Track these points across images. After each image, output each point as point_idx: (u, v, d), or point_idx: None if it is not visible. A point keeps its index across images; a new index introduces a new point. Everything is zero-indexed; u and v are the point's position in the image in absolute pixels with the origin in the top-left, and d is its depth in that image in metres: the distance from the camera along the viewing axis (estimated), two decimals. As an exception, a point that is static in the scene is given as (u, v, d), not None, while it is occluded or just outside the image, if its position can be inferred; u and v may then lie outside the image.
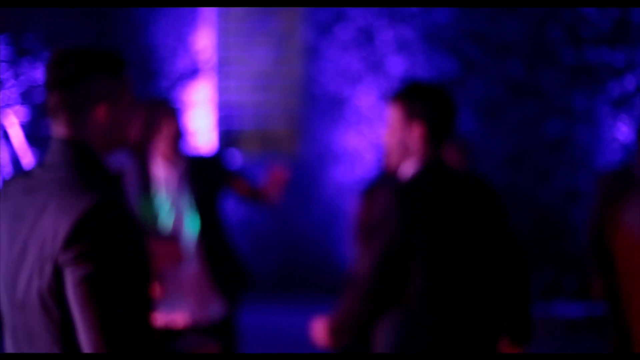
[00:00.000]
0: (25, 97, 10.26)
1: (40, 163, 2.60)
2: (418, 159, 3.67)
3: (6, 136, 10.26)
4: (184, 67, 11.61)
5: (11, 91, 10.20)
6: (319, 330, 3.73)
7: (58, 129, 2.56)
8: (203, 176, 4.86)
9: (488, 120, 10.87)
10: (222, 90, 12.28)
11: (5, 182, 2.75)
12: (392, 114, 3.75)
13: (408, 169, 3.70)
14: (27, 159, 10.27)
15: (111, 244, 2.37)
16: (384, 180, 4.99)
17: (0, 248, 2.57)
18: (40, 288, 2.41)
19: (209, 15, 11.86)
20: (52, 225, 2.39)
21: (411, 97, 3.73)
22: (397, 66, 11.05)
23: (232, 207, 11.50)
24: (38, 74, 10.31)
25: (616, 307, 5.93)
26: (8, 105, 10.13)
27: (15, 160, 10.34)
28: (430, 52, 10.97)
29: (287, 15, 12.17)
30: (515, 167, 10.78)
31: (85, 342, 2.37)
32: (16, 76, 10.25)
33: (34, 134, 10.42)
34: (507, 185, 10.55)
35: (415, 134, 3.65)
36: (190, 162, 4.86)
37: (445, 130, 3.74)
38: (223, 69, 12.20)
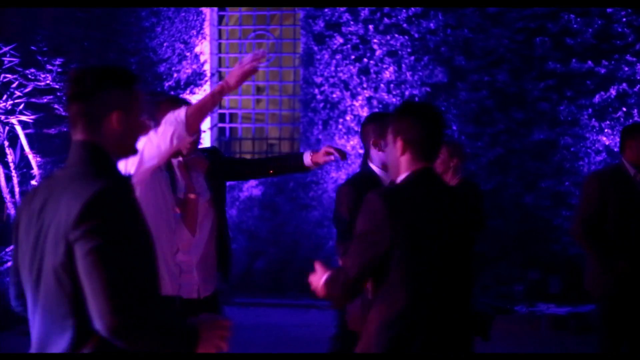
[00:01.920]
0: (32, 102, 10.34)
1: (62, 166, 2.93)
2: (405, 174, 3.73)
3: (14, 139, 10.34)
4: (185, 73, 11.69)
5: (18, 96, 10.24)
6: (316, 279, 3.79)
7: (77, 135, 2.88)
8: (214, 167, 5.05)
9: (475, 126, 11.06)
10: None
11: (33, 187, 3.08)
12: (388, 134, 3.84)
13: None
14: (33, 160, 10.36)
15: (116, 221, 2.67)
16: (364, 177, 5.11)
17: (27, 243, 2.85)
18: (54, 265, 2.70)
19: (207, 21, 12.00)
20: (66, 210, 2.69)
21: (395, 116, 3.80)
22: (388, 73, 11.24)
23: (232, 211, 11.72)
24: (44, 80, 10.36)
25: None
26: (15, 110, 10.18)
27: (22, 162, 10.41)
28: (420, 60, 11.18)
29: (284, 24, 12.34)
30: (502, 172, 10.92)
31: (93, 308, 2.63)
32: (23, 82, 10.27)
33: (39, 137, 10.54)
34: (493, 189, 10.71)
35: (399, 151, 3.71)
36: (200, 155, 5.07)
37: (431, 146, 3.75)
38: (220, 75, 12.36)
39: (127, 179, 2.99)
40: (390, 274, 3.58)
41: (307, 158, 5.31)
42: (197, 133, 4.51)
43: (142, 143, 4.07)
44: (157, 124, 4.33)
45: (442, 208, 3.74)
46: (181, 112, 4.26)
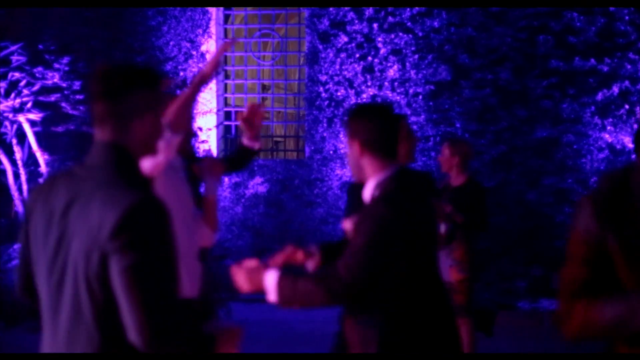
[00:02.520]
0: (39, 101, 10.42)
1: (81, 163, 2.86)
2: (373, 175, 3.71)
3: (21, 137, 10.41)
4: (191, 72, 11.72)
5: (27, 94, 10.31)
6: (241, 277, 3.79)
7: (102, 135, 2.81)
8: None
9: (478, 124, 11.11)
10: (225, 95, 12.47)
11: (47, 179, 3.00)
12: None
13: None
14: (41, 158, 10.43)
15: (152, 237, 2.64)
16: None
17: (48, 240, 2.80)
18: (86, 273, 2.66)
19: (213, 20, 12.04)
20: (98, 218, 2.64)
21: (350, 119, 3.80)
22: (392, 72, 11.32)
23: (237, 208, 11.79)
24: (51, 78, 10.43)
25: None
26: (23, 108, 10.24)
27: (30, 160, 10.48)
28: (424, 58, 11.25)
29: (289, 22, 12.39)
30: (505, 169, 10.96)
31: (130, 322, 2.62)
32: (31, 80, 10.34)
33: (47, 134, 10.61)
34: (496, 187, 10.76)
35: (356, 152, 3.73)
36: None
37: (388, 144, 3.74)
38: (226, 73, 12.42)
39: (150, 185, 2.98)
40: (389, 282, 3.56)
41: (245, 139, 5.49)
42: (183, 130, 4.36)
43: None
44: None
45: (425, 208, 3.80)
46: None
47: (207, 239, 4.84)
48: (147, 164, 4.09)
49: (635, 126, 10.67)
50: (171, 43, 11.78)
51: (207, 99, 11.66)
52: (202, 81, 4.39)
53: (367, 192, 3.73)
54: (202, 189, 4.97)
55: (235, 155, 5.87)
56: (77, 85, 10.49)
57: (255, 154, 5.80)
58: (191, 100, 4.33)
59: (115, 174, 2.75)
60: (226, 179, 11.63)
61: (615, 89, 10.77)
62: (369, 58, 11.39)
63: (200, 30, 11.95)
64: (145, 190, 2.75)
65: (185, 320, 2.72)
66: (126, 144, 2.81)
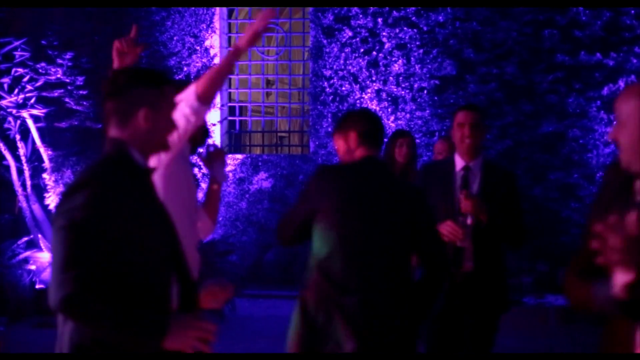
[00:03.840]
0: (43, 96, 10.40)
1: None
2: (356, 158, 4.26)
3: (25, 132, 10.39)
4: (195, 67, 11.72)
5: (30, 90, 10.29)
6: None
7: (110, 132, 3.08)
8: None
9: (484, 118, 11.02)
10: (229, 90, 12.46)
11: None
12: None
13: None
14: (44, 154, 10.42)
15: (87, 207, 2.81)
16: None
17: None
18: None
19: (217, 15, 12.02)
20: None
21: (344, 117, 4.43)
22: (397, 66, 11.28)
23: (242, 203, 11.78)
24: (55, 74, 10.41)
25: None
26: (27, 104, 10.22)
27: (34, 155, 10.47)
28: (429, 53, 11.21)
29: (293, 17, 12.37)
30: (511, 164, 10.83)
31: (50, 282, 2.81)
32: (34, 76, 10.32)
33: (50, 130, 10.59)
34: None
35: (352, 139, 4.25)
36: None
37: (375, 137, 4.32)
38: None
39: (143, 171, 3.10)
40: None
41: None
42: (210, 103, 4.23)
43: None
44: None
45: (376, 189, 4.18)
46: (192, 86, 4.13)
47: (207, 230, 4.82)
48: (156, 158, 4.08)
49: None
50: (175, 38, 11.76)
51: (211, 94, 11.62)
52: (237, 53, 4.27)
53: None
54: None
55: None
56: (80, 80, 10.47)
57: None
58: (225, 71, 4.18)
59: (98, 163, 3.01)
60: (230, 175, 11.62)
61: (622, 83, 10.72)
62: (374, 53, 11.36)
63: (204, 25, 11.93)
64: (103, 169, 2.96)
65: (114, 293, 2.79)
66: (127, 139, 3.04)
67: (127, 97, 3.03)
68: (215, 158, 4.87)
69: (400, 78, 11.27)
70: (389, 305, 4.04)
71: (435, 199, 5.31)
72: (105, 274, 2.80)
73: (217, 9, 12.00)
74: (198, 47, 11.86)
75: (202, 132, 4.84)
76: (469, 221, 5.30)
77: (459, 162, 5.57)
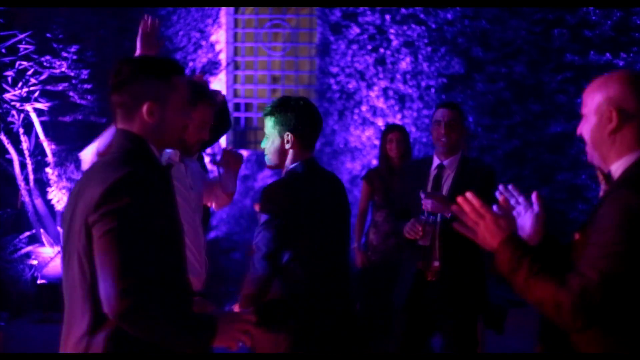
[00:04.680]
0: (47, 90, 10.34)
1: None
2: (292, 161, 4.29)
3: (28, 126, 10.35)
4: (200, 62, 11.67)
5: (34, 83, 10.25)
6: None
7: (118, 124, 2.94)
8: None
9: (491, 118, 10.99)
10: (234, 86, 12.40)
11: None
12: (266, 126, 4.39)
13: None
14: (48, 148, 10.37)
15: (134, 207, 2.68)
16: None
17: (64, 223, 2.91)
18: (78, 249, 2.74)
19: (223, 10, 11.97)
20: (90, 195, 2.74)
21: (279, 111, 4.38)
22: (405, 64, 11.20)
23: (246, 200, 11.72)
24: (59, 67, 10.37)
25: None
26: (30, 97, 10.18)
27: (37, 150, 10.43)
28: (437, 51, 11.13)
29: (300, 13, 12.29)
30: (518, 164, 10.85)
31: (101, 291, 2.64)
32: (38, 69, 10.27)
33: (54, 124, 10.55)
34: (509, 182, 10.65)
35: (289, 142, 4.27)
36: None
37: (311, 137, 4.37)
38: (236, 64, 12.33)
39: (163, 168, 2.99)
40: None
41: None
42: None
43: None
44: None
45: (328, 193, 4.37)
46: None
47: (222, 202, 4.80)
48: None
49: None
50: (180, 33, 11.70)
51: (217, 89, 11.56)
52: None
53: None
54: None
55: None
56: (85, 74, 10.42)
57: (225, 108, 5.76)
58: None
59: (120, 156, 2.85)
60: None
61: (631, 84, 10.64)
62: (381, 50, 11.28)
63: (210, 20, 11.87)
64: (137, 166, 2.80)
65: (172, 299, 2.71)
66: (137, 131, 2.89)
67: (130, 90, 2.88)
68: (230, 164, 4.78)
69: (408, 76, 11.20)
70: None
71: (411, 198, 5.39)
72: (158, 277, 2.71)
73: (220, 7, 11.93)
74: (204, 42, 11.80)
75: (217, 127, 4.78)
76: (431, 219, 5.36)
77: (435, 161, 5.63)
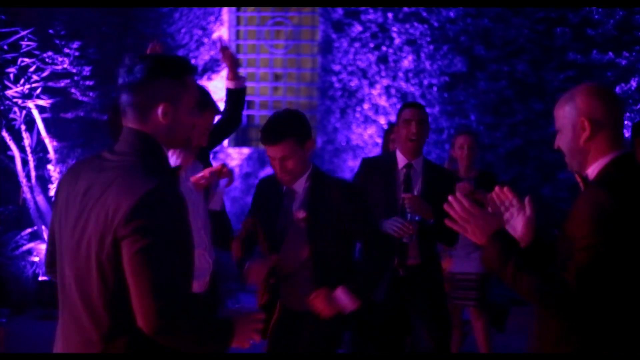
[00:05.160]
0: (49, 86, 10.34)
1: (111, 148, 2.91)
2: None
3: (30, 123, 10.35)
4: (202, 60, 11.68)
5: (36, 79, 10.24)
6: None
7: (128, 123, 2.87)
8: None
9: (494, 116, 10.99)
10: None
11: (77, 162, 3.06)
12: None
13: None
14: (50, 145, 10.37)
15: (164, 223, 2.65)
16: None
17: (67, 219, 2.85)
18: (99, 257, 2.70)
19: (226, 8, 11.97)
20: (114, 202, 2.68)
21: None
22: (407, 62, 11.20)
23: (246, 198, 11.72)
24: (61, 64, 10.36)
25: None
26: (32, 94, 10.18)
27: (39, 146, 10.42)
28: (439, 49, 11.12)
29: (302, 11, 12.28)
30: (520, 163, 10.85)
31: (138, 307, 2.64)
32: (40, 66, 10.27)
33: (56, 121, 10.55)
34: (511, 180, 10.63)
35: None
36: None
37: None
38: (238, 62, 12.34)
39: (174, 174, 2.98)
40: None
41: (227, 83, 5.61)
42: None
43: None
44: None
45: None
46: None
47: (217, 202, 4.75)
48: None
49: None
50: (183, 30, 11.69)
51: (219, 87, 11.56)
52: None
53: None
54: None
55: (227, 105, 5.79)
56: (87, 71, 10.41)
57: (243, 92, 5.72)
58: None
59: (137, 161, 2.79)
60: (237, 169, 11.58)
61: (634, 83, 10.65)
62: (383, 48, 11.28)
63: (212, 18, 11.87)
64: (163, 177, 2.76)
65: (196, 308, 2.71)
66: (150, 132, 2.84)
67: (145, 90, 2.82)
68: (218, 177, 4.71)
69: (410, 74, 11.20)
70: None
71: (376, 195, 5.41)
72: (187, 290, 2.72)
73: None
74: (206, 40, 11.80)
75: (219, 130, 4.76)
76: (417, 219, 5.46)
77: (401, 159, 5.64)
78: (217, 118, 5.15)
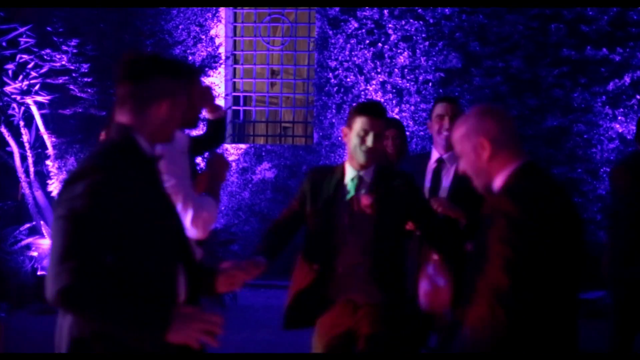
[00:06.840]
0: (47, 83, 10.38)
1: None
2: None
3: (29, 119, 10.39)
4: (200, 56, 11.69)
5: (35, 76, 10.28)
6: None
7: (120, 117, 2.94)
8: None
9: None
10: (234, 80, 12.44)
11: None
12: None
13: None
14: (48, 141, 10.42)
15: (83, 200, 2.70)
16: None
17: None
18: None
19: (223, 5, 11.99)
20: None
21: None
22: (403, 58, 11.24)
23: (244, 193, 11.78)
24: (59, 61, 10.40)
25: None
26: (31, 90, 10.22)
27: (37, 142, 10.47)
28: (435, 45, 11.17)
29: (299, 7, 12.33)
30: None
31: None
32: (39, 63, 10.31)
33: (54, 117, 10.59)
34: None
35: None
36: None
37: None
38: (235, 58, 12.38)
39: (153, 164, 3.00)
40: None
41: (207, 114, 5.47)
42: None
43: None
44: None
45: None
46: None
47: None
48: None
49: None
50: (180, 27, 11.72)
51: (216, 84, 11.62)
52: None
53: None
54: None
55: (208, 131, 5.79)
56: (85, 67, 10.46)
57: (224, 120, 5.74)
58: None
59: (102, 150, 2.90)
60: (234, 164, 11.62)
61: (627, 79, 10.71)
62: (379, 44, 11.33)
63: (209, 14, 11.91)
64: (114, 159, 2.83)
65: (111, 283, 2.71)
66: (137, 126, 2.92)
67: (149, 85, 2.91)
68: (214, 169, 4.69)
69: (406, 70, 11.25)
70: None
71: None
72: (106, 265, 2.72)
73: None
74: (203, 36, 11.84)
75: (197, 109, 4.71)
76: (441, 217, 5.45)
77: (434, 154, 5.67)
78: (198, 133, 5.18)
